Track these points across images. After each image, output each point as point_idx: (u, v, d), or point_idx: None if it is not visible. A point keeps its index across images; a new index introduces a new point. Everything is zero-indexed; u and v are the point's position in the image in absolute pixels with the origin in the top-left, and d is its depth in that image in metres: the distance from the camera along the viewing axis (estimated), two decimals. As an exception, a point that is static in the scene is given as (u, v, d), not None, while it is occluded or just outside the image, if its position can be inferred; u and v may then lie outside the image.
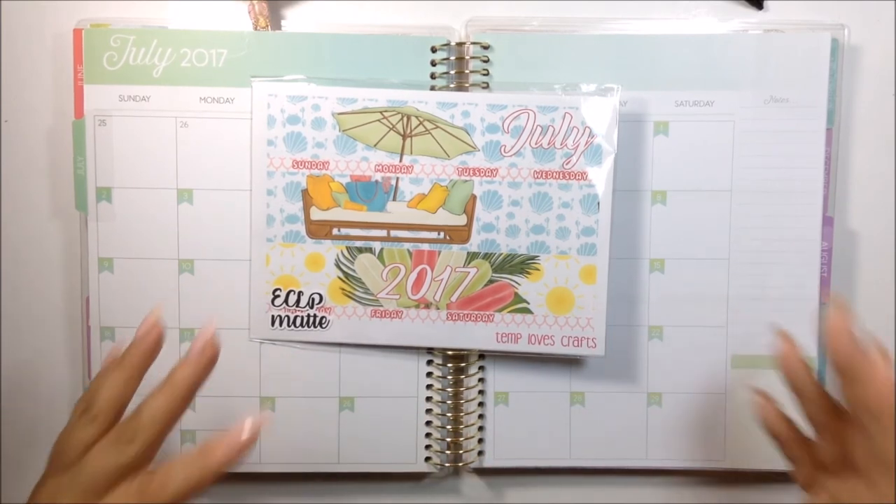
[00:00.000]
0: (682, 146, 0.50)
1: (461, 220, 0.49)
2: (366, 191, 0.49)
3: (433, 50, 0.49)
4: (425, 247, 0.49)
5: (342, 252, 0.50)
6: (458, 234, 0.49)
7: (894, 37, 0.51)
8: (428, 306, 0.50)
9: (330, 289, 0.50)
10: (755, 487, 0.53)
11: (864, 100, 0.52)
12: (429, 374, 0.51)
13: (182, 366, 0.39)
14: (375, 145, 0.49)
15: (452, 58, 0.50)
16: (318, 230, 0.49)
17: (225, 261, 0.50)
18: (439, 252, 0.49)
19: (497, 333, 0.49)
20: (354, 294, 0.50)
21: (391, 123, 0.49)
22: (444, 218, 0.49)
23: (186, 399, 0.39)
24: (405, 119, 0.49)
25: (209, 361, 0.39)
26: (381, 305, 0.50)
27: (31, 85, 0.51)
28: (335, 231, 0.49)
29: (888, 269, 0.53)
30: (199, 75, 0.49)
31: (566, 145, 0.49)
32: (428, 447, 0.51)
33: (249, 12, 0.49)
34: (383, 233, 0.49)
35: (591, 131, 0.48)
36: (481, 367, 0.51)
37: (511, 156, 0.49)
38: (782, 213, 0.50)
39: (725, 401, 0.51)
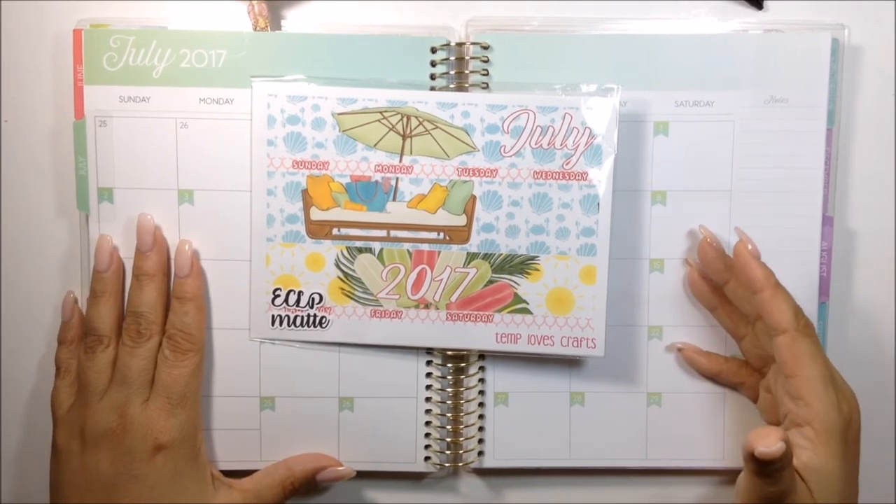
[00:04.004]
0: (682, 146, 0.50)
1: (461, 220, 0.49)
2: (366, 191, 0.49)
3: (433, 50, 0.49)
4: (425, 247, 0.49)
5: (342, 252, 0.50)
6: (457, 235, 0.49)
7: (894, 37, 0.51)
8: (427, 306, 0.50)
9: (330, 289, 0.50)
10: (755, 487, 0.53)
11: (864, 100, 0.52)
12: (428, 375, 0.51)
13: (187, 282, 0.48)
14: (375, 145, 0.49)
15: (452, 58, 0.50)
16: (318, 230, 0.50)
17: (225, 261, 0.50)
18: (439, 252, 0.49)
19: (497, 334, 0.49)
20: (354, 294, 0.50)
21: (391, 123, 0.49)
22: (443, 218, 0.49)
23: (203, 304, 0.49)
24: (405, 119, 0.49)
25: (199, 268, 0.49)
26: (381, 305, 0.50)
27: (31, 85, 0.51)
28: (335, 231, 0.50)
29: (888, 269, 0.53)
30: (198, 76, 0.49)
31: (566, 146, 0.49)
32: (427, 447, 0.51)
33: (249, 13, 0.49)
34: (383, 233, 0.49)
35: (591, 132, 0.48)
36: (481, 368, 0.51)
37: (511, 156, 0.49)
38: (782, 213, 0.50)
39: (725, 400, 0.51)
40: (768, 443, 0.39)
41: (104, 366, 0.47)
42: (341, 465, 0.50)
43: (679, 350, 0.51)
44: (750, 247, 0.46)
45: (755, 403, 0.50)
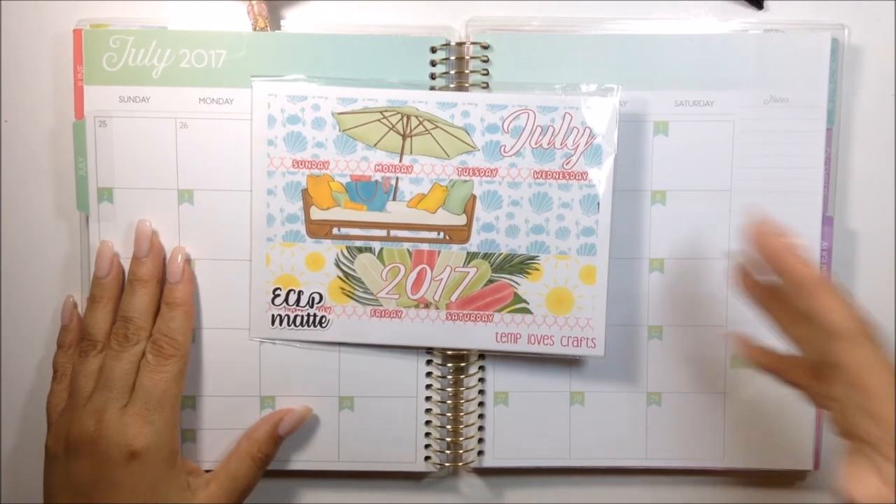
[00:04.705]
0: (682, 146, 0.50)
1: (461, 220, 0.49)
2: (366, 190, 0.49)
3: (433, 50, 0.49)
4: (425, 247, 0.49)
5: (342, 252, 0.50)
6: (457, 234, 0.49)
7: (894, 37, 0.51)
8: (427, 306, 0.50)
9: (330, 288, 0.50)
10: (755, 487, 0.53)
11: (864, 100, 0.51)
12: (428, 374, 0.51)
13: (177, 288, 0.48)
14: (375, 145, 0.49)
15: (452, 58, 0.50)
16: (318, 230, 0.50)
17: (225, 261, 0.50)
18: (439, 252, 0.49)
19: (496, 333, 0.49)
20: (354, 294, 0.50)
21: (391, 123, 0.49)
22: (443, 218, 0.49)
23: (193, 312, 0.49)
24: (405, 119, 0.49)
25: (191, 275, 0.50)
26: (381, 305, 0.50)
27: (32, 85, 0.51)
28: (335, 231, 0.50)
29: (888, 269, 0.52)
30: (198, 76, 0.49)
31: (566, 145, 0.49)
32: (427, 447, 0.51)
33: (248, 13, 0.49)
34: (383, 233, 0.49)
35: (591, 131, 0.48)
36: (481, 367, 0.51)
37: (511, 156, 0.49)
38: (782, 213, 0.50)
39: (725, 401, 0.51)
40: (867, 493, 0.36)
41: (93, 371, 0.47)
42: (293, 409, 0.50)
43: (733, 340, 0.46)
44: (789, 240, 0.40)
45: (818, 408, 0.44)
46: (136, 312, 0.47)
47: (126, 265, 0.49)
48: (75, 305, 0.50)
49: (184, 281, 0.49)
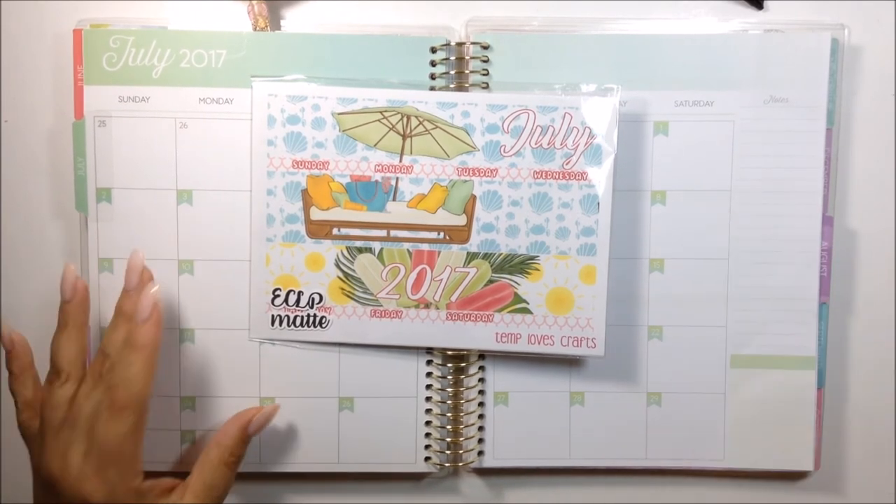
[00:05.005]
0: (682, 146, 0.50)
1: (461, 220, 0.49)
2: (366, 191, 0.49)
3: (433, 50, 0.49)
4: (425, 247, 0.49)
5: (342, 252, 0.50)
6: (457, 234, 0.49)
7: (894, 37, 0.51)
8: (427, 306, 0.50)
9: (330, 289, 0.50)
10: (755, 487, 0.53)
11: (864, 100, 0.52)
12: (428, 374, 0.51)
13: (142, 328, 0.44)
14: (375, 145, 0.49)
15: (452, 58, 0.50)
16: (318, 230, 0.50)
17: (225, 261, 0.50)
18: (439, 252, 0.49)
19: (497, 333, 0.49)
20: (354, 294, 0.50)
21: (391, 123, 0.49)
22: (443, 218, 0.49)
23: (156, 357, 0.44)
24: (405, 119, 0.49)
25: (160, 317, 0.45)
26: (381, 305, 0.50)
27: (31, 85, 0.51)
28: (335, 231, 0.50)
29: (888, 269, 0.53)
30: (198, 76, 0.49)
31: (566, 145, 0.49)
32: (428, 447, 0.51)
33: (249, 13, 0.49)
34: (383, 233, 0.49)
35: (591, 131, 0.48)
36: (481, 367, 0.51)
37: (511, 156, 0.49)
38: (782, 213, 0.50)
39: (725, 400, 0.51)
40: None
41: (59, 401, 0.45)
42: (262, 408, 0.49)
43: None
44: None
45: None
46: (114, 349, 0.44)
47: (124, 265, 0.49)
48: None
49: (151, 321, 0.44)
